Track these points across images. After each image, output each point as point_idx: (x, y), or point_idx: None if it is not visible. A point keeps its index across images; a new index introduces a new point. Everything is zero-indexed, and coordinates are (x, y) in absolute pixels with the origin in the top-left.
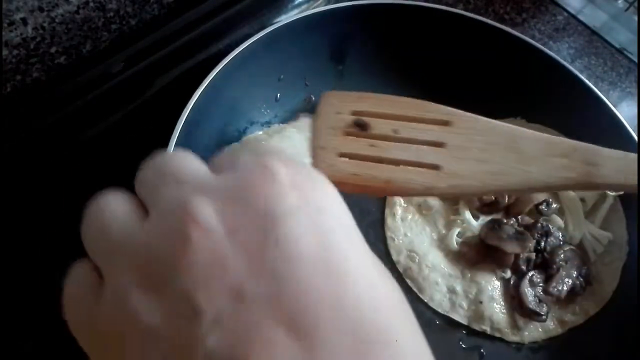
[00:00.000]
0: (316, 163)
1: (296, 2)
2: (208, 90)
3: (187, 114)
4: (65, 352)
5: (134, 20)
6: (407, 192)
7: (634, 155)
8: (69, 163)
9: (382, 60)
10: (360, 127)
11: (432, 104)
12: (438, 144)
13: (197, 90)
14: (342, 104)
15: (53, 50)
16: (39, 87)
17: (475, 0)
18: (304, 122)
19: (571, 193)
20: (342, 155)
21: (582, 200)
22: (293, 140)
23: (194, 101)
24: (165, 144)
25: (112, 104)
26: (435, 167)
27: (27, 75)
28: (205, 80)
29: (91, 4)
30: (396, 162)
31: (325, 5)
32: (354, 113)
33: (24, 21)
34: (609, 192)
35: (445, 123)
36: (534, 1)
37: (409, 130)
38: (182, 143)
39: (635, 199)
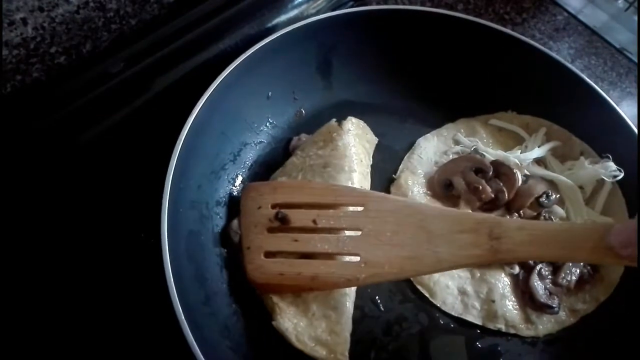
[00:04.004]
0: (245, 265)
1: (296, 2)
2: (196, 122)
3: (177, 150)
4: (65, 352)
5: (134, 20)
6: (331, 286)
7: (535, 223)
8: (69, 162)
9: (371, 66)
10: (281, 221)
11: (343, 187)
12: (354, 230)
13: (185, 126)
14: (261, 198)
15: (53, 50)
16: (39, 87)
17: (475, 0)
18: None
19: (569, 181)
20: (268, 254)
21: (581, 187)
22: None
23: (183, 136)
24: (162, 145)
25: (112, 104)
26: (354, 256)
27: (27, 75)
28: (192, 111)
29: (91, 4)
30: (319, 255)
31: (326, 5)
32: (274, 206)
33: (24, 21)
34: (605, 178)
35: (359, 205)
36: (534, 1)
37: (327, 218)
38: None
39: (634, 182)
